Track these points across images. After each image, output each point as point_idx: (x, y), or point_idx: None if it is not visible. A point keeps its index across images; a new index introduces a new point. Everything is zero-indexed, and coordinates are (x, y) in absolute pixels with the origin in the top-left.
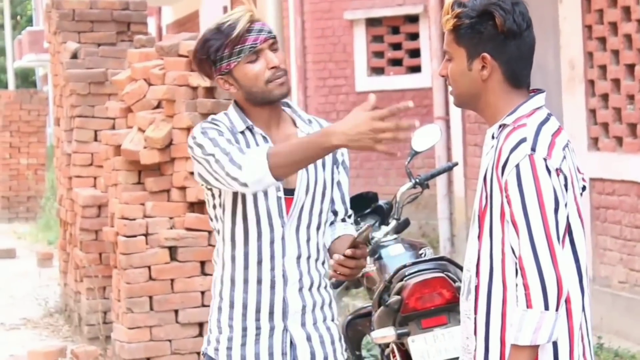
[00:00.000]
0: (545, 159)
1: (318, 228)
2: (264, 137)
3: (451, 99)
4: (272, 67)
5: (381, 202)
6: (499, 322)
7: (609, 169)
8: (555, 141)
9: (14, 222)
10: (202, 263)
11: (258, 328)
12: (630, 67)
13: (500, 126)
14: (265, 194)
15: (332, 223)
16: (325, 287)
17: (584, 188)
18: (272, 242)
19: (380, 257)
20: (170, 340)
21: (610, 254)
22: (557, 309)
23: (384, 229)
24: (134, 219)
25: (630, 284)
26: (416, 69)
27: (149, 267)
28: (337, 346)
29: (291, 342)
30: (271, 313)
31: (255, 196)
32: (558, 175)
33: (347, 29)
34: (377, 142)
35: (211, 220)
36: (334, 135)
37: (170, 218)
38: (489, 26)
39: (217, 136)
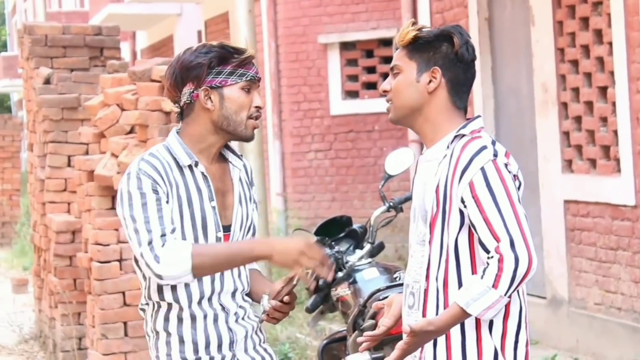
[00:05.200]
0: (506, 164)
1: None
2: (204, 176)
3: None
4: (257, 107)
5: (355, 225)
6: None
7: (583, 191)
8: (508, 153)
9: None
10: None
11: (212, 358)
12: (603, 90)
13: (455, 136)
14: (206, 235)
15: None
16: (251, 315)
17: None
18: (212, 281)
19: (354, 281)
20: None
21: (585, 275)
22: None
23: (359, 252)
24: (108, 245)
25: (606, 305)
26: None
27: (123, 293)
28: None
29: None
30: (219, 345)
31: (196, 239)
32: (515, 180)
33: (321, 53)
34: (297, 265)
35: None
36: (260, 246)
37: None
38: (444, 45)
39: (149, 194)
